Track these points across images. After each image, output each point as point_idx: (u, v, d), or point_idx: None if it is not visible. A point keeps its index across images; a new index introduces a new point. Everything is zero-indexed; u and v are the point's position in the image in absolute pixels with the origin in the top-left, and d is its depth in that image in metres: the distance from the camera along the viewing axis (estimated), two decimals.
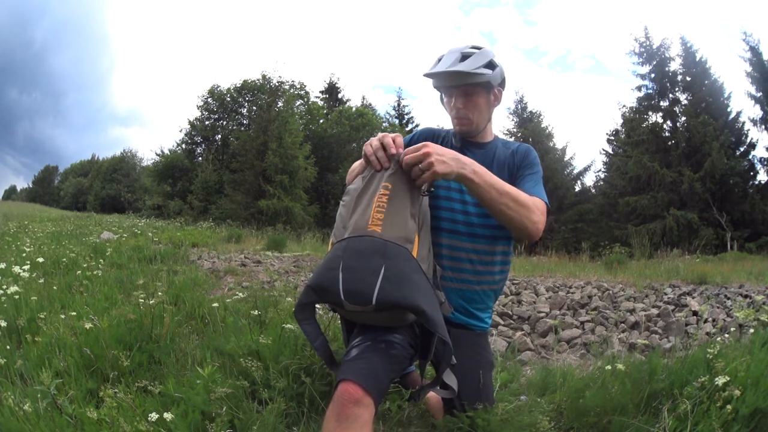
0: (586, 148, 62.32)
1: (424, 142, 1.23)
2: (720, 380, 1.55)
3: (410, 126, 28.81)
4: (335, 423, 1.08)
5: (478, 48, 1.46)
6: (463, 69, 1.40)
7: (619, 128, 20.93)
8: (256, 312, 2.61)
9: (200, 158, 25.47)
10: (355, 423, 1.07)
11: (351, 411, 1.08)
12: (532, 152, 1.56)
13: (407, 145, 1.53)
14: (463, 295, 1.49)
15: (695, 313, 3.85)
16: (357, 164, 1.49)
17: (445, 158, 1.21)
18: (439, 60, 1.46)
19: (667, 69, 18.70)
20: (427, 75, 1.47)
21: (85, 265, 4.22)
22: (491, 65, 1.44)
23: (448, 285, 1.46)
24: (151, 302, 2.43)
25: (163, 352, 2.15)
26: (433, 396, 1.66)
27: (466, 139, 1.55)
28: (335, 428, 1.08)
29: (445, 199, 1.49)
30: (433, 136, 1.59)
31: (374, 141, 1.30)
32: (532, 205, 1.33)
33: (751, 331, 2.41)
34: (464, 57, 1.43)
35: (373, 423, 1.12)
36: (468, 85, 1.44)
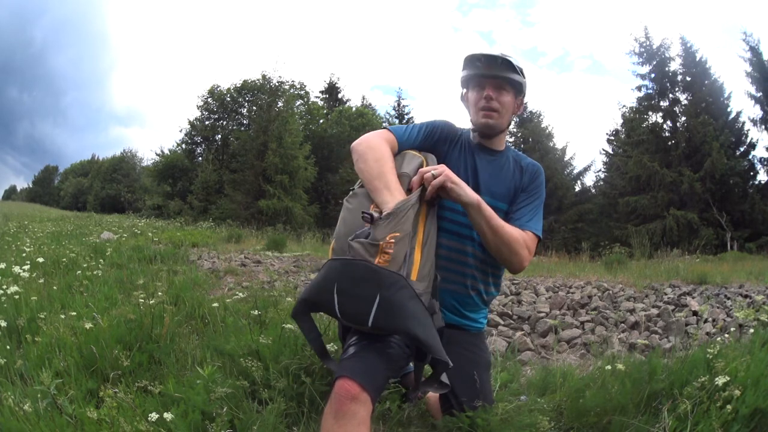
0: (586, 148, 62.30)
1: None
2: (720, 380, 1.55)
3: None
4: (333, 420, 1.09)
5: (514, 61, 1.51)
6: (510, 58, 1.46)
7: (619, 128, 20.95)
8: (256, 312, 2.61)
9: (200, 158, 25.48)
10: (352, 419, 1.08)
11: (348, 407, 1.09)
12: (540, 175, 1.58)
13: (428, 134, 1.55)
14: (455, 296, 1.50)
15: (695, 313, 3.85)
16: (378, 152, 1.40)
17: (461, 182, 1.33)
18: (476, 58, 1.49)
19: (667, 69, 18.70)
20: (475, 54, 1.49)
21: (85, 265, 4.22)
22: (523, 74, 1.51)
23: (441, 286, 1.46)
24: (151, 302, 2.43)
25: (163, 352, 2.15)
26: (432, 396, 1.67)
27: (481, 143, 1.55)
28: (333, 425, 1.09)
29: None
30: (452, 133, 1.57)
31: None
32: (522, 243, 1.42)
33: (751, 331, 2.41)
34: (504, 62, 1.48)
35: (370, 420, 1.13)
36: (503, 80, 1.47)
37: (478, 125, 1.53)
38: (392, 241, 1.19)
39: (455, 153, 1.53)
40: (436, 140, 1.53)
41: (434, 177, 1.28)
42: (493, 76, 1.47)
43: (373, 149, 1.39)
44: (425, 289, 1.24)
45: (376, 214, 1.24)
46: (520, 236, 1.42)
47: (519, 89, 1.52)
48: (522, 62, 1.52)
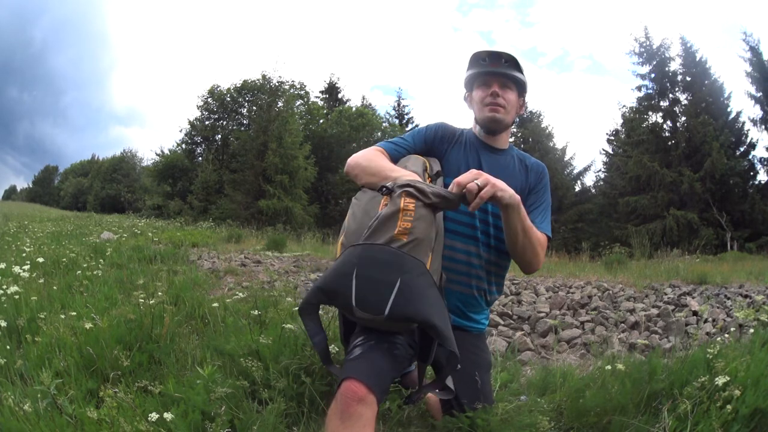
0: (586, 148, 62.32)
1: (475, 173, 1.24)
2: (720, 380, 1.55)
3: (410, 126, 28.80)
4: (339, 421, 1.08)
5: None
6: (514, 56, 1.48)
7: (619, 128, 20.96)
8: (256, 312, 2.61)
9: (200, 158, 25.46)
10: (358, 421, 1.07)
11: (354, 409, 1.08)
12: (546, 175, 1.59)
13: (425, 135, 1.56)
14: (460, 297, 1.50)
15: (695, 313, 3.85)
16: (375, 154, 1.44)
17: (506, 187, 1.28)
18: (481, 57, 1.51)
19: (667, 69, 18.70)
20: (480, 52, 1.51)
21: (85, 265, 4.21)
22: (524, 75, 1.54)
23: (446, 286, 1.46)
24: (151, 302, 2.42)
25: (163, 352, 2.15)
26: (432, 396, 1.67)
27: (485, 142, 1.56)
28: (338, 426, 1.08)
29: None
30: (450, 133, 1.57)
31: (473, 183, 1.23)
32: (543, 245, 1.44)
33: (751, 331, 2.41)
34: (507, 60, 1.50)
35: (375, 422, 1.12)
36: (507, 78, 1.50)
37: (484, 120, 1.53)
38: (411, 206, 1.16)
39: (456, 151, 1.54)
40: (433, 141, 1.54)
41: (480, 187, 1.20)
42: (499, 73, 1.49)
43: (363, 154, 1.44)
44: (436, 282, 1.23)
45: (390, 184, 1.22)
46: (543, 240, 1.45)
47: (522, 88, 1.54)
48: (522, 63, 1.54)
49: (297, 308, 1.26)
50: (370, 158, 1.42)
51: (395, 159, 1.48)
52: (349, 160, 1.45)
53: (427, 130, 1.56)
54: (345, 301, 1.12)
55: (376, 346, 1.22)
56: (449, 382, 1.30)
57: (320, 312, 1.66)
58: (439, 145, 1.54)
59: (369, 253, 1.13)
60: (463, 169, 1.46)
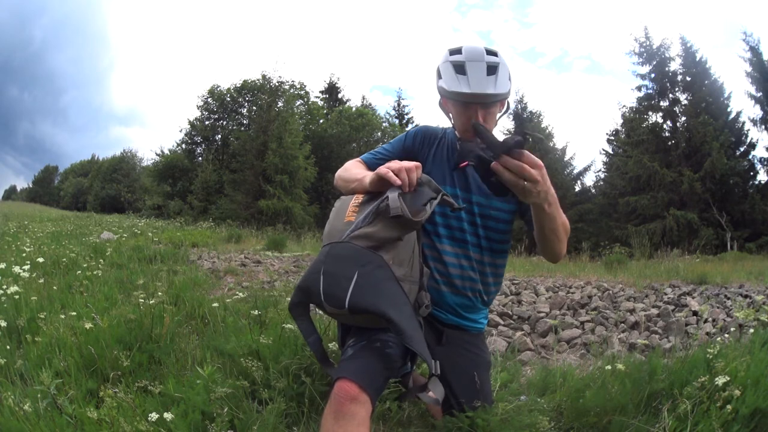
0: (586, 148, 62.40)
1: (539, 164, 1.08)
2: (720, 380, 1.55)
3: (410, 126, 28.80)
4: (333, 421, 1.09)
5: (495, 54, 1.38)
6: (497, 92, 1.34)
7: (619, 128, 20.93)
8: (256, 312, 2.62)
9: (200, 158, 25.48)
10: (352, 420, 1.08)
11: (348, 408, 1.09)
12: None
13: (405, 143, 1.55)
14: (454, 299, 1.50)
15: (695, 313, 3.85)
16: (353, 165, 1.49)
17: (544, 192, 1.13)
18: (457, 66, 1.36)
19: (667, 69, 18.69)
20: (459, 92, 1.34)
21: (85, 265, 4.22)
22: (509, 77, 1.40)
23: (440, 288, 1.47)
24: (151, 302, 2.43)
25: (163, 352, 2.15)
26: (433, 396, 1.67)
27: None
28: (333, 426, 1.09)
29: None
30: (432, 135, 1.56)
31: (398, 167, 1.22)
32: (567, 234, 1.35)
33: (751, 331, 2.41)
34: (490, 70, 1.34)
35: (370, 421, 1.13)
36: (490, 103, 1.38)
37: (464, 139, 1.48)
38: (359, 197, 1.30)
39: (440, 153, 1.52)
40: (413, 147, 1.53)
41: (526, 179, 1.07)
42: (480, 102, 1.36)
43: (343, 167, 1.49)
44: (406, 275, 1.23)
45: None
46: (568, 229, 1.36)
47: (504, 99, 1.43)
48: (506, 58, 1.40)
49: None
50: (347, 169, 1.48)
51: (375, 168, 1.44)
52: (335, 175, 1.51)
53: (407, 136, 1.56)
54: (317, 298, 1.17)
55: (368, 345, 1.23)
56: (437, 390, 1.30)
57: (320, 314, 1.66)
58: (420, 150, 1.53)
59: (334, 250, 1.20)
60: (447, 171, 1.48)
